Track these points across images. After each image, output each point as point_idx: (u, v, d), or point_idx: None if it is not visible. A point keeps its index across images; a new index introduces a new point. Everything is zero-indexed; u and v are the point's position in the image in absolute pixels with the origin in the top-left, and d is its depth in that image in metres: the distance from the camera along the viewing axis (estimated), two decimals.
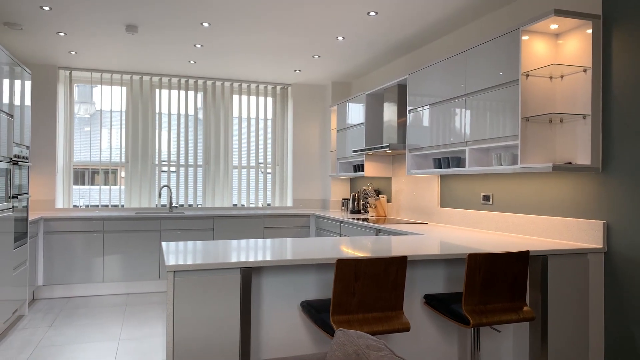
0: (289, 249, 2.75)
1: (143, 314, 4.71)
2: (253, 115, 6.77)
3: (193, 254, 2.51)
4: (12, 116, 4.11)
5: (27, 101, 4.61)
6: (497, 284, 2.47)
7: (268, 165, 6.85)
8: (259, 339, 2.52)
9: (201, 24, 4.29)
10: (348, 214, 5.74)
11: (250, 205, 6.71)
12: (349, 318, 2.24)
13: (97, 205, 6.15)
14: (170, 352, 2.22)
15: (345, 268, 2.20)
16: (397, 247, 2.90)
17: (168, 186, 6.24)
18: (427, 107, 4.22)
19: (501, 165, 3.42)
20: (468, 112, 3.69)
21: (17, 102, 4.27)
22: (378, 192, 5.80)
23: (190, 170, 6.47)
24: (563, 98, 3.18)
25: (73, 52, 5.30)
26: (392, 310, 2.32)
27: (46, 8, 3.95)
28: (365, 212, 5.93)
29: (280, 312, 2.57)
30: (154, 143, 6.32)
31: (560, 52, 3.23)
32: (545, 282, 2.86)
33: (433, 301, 2.68)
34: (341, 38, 4.68)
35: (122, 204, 6.20)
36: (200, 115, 6.54)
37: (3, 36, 4.74)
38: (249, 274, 2.36)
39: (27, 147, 4.64)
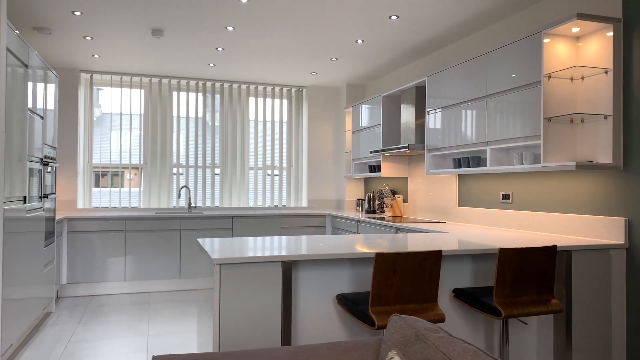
0: (323, 244, 2.86)
1: (168, 311, 4.82)
2: (269, 117, 6.88)
3: (233, 249, 2.62)
4: (43, 118, 4.23)
5: (55, 104, 4.74)
6: (526, 278, 2.57)
7: (283, 167, 6.95)
8: (297, 329, 2.62)
9: (225, 27, 4.41)
10: (363, 214, 5.84)
11: (266, 206, 6.82)
12: (387, 309, 2.34)
13: (116, 207, 6.26)
14: (216, 340, 2.33)
15: (384, 262, 2.30)
16: (424, 243, 3.00)
17: (187, 187, 6.36)
18: (447, 108, 4.33)
19: (522, 164, 3.52)
20: (489, 113, 3.79)
21: (46, 104, 4.39)
22: (394, 192, 5.90)
23: (208, 171, 6.58)
24: (584, 99, 3.28)
25: (96, 56, 5.42)
26: (427, 302, 2.42)
27: (77, 13, 4.07)
28: (381, 212, 6.03)
29: (315, 304, 2.67)
30: (172, 145, 6.44)
31: (580, 54, 3.33)
32: (570, 276, 2.96)
33: (462, 295, 2.78)
34: (360, 41, 4.79)
35: (140, 205, 6.31)
36: (217, 117, 6.66)
37: (31, 40, 4.86)
38: (289, 267, 2.46)
39: (54, 148, 4.76)
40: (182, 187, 6.33)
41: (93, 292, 5.52)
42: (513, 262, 2.53)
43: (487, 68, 3.82)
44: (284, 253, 2.48)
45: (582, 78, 3.30)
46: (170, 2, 3.83)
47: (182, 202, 6.48)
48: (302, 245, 2.82)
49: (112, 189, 6.30)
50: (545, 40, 3.26)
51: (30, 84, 3.77)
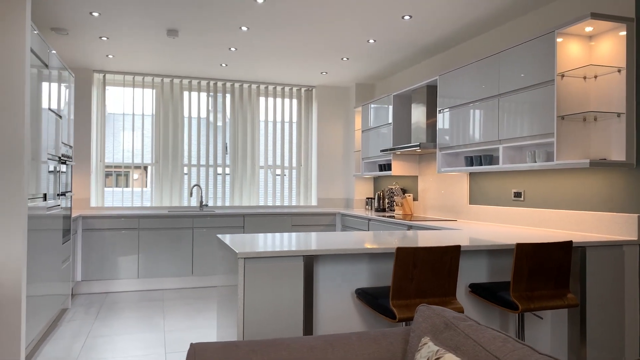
0: (342, 240, 2.92)
1: (182, 308, 4.88)
2: (278, 116, 6.94)
3: (254, 244, 2.68)
4: (60, 117, 4.30)
5: (71, 103, 4.81)
6: (542, 272, 2.62)
7: (293, 166, 7.01)
8: (317, 322, 2.68)
9: (240, 28, 4.47)
10: (373, 213, 5.89)
11: (276, 204, 6.88)
12: (407, 302, 2.40)
13: (128, 206, 6.33)
14: (240, 332, 2.39)
15: (405, 256, 2.36)
16: (439, 239, 3.05)
17: (199, 185, 6.42)
18: (459, 106, 4.38)
19: (535, 162, 3.57)
20: (501, 112, 3.84)
21: (63, 104, 4.46)
22: (404, 191, 5.95)
23: (219, 170, 6.64)
24: (597, 97, 3.33)
25: (110, 56, 5.49)
26: (446, 295, 2.47)
27: (95, 14, 4.14)
28: (391, 210, 6.08)
29: (334, 298, 2.72)
30: (183, 144, 6.50)
31: (593, 53, 3.37)
32: (584, 272, 3.01)
33: (478, 290, 2.83)
34: (372, 41, 4.84)
35: (152, 203, 6.38)
36: (228, 117, 6.72)
37: (48, 41, 4.93)
38: (311, 262, 2.52)
39: (70, 147, 4.83)
40: (194, 185, 6.39)
41: (107, 289, 5.59)
42: (530, 257, 2.58)
43: (500, 67, 3.87)
44: (304, 248, 2.54)
45: (595, 77, 3.34)
46: (187, 3, 3.89)
47: (194, 201, 6.55)
48: (321, 241, 2.87)
49: (125, 189, 6.37)
50: (559, 40, 3.31)
51: (49, 84, 3.84)
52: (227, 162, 6.70)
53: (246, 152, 6.75)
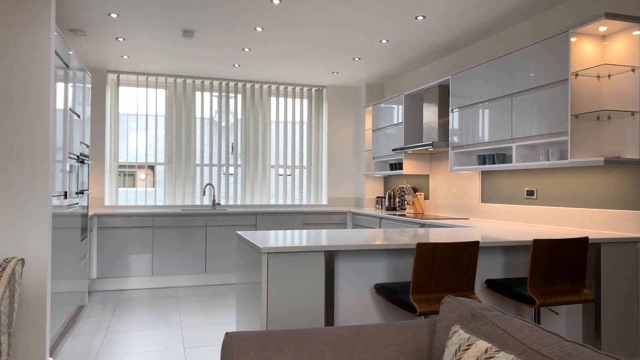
0: (361, 237, 2.97)
1: (196, 305, 4.95)
2: (289, 116, 7.01)
3: (275, 240, 2.74)
4: (79, 116, 4.38)
5: (88, 103, 4.89)
6: (559, 268, 2.66)
7: (304, 166, 7.07)
8: (337, 316, 2.73)
9: (255, 28, 4.53)
10: (384, 211, 5.94)
11: (287, 203, 6.94)
12: (427, 297, 2.45)
13: (142, 204, 6.41)
14: (264, 323, 2.45)
15: (425, 251, 2.41)
16: (454, 236, 3.10)
17: (211, 184, 6.49)
18: (472, 106, 4.42)
19: (549, 160, 3.61)
20: (515, 111, 3.88)
21: (81, 104, 4.53)
22: (415, 190, 6.00)
23: (231, 170, 6.71)
24: (611, 96, 3.37)
25: (125, 57, 5.57)
26: (464, 290, 2.52)
27: (114, 15, 4.21)
28: (402, 209, 6.13)
29: (354, 293, 2.78)
30: (195, 144, 6.58)
31: (606, 52, 3.41)
32: (599, 268, 3.05)
33: (495, 285, 2.88)
34: (385, 41, 4.90)
35: (165, 202, 6.45)
36: (239, 117, 6.79)
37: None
38: (331, 257, 2.58)
39: (88, 146, 4.91)
40: (207, 184, 6.46)
41: (122, 286, 5.67)
42: (546, 253, 2.62)
43: (513, 66, 3.91)
44: (325, 244, 2.59)
45: (609, 76, 3.38)
46: (204, 4, 3.96)
47: (206, 200, 6.62)
48: (340, 237, 2.93)
49: (138, 189, 6.45)
50: (572, 40, 3.35)
51: (70, 84, 3.91)
52: (239, 161, 6.77)
53: (257, 151, 6.81)
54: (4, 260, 2.22)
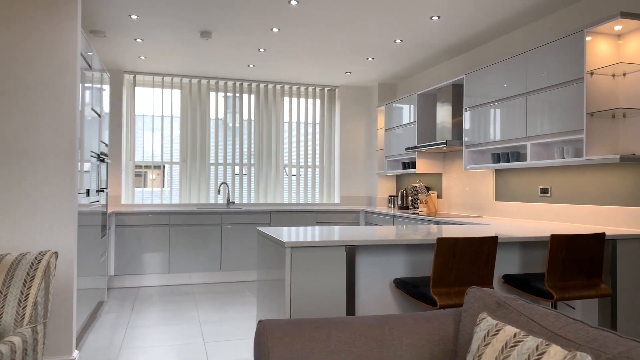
0: (380, 233, 3.03)
1: (213, 301, 5.03)
2: (302, 116, 7.08)
3: (298, 235, 2.80)
4: (100, 116, 4.48)
5: (106, 103, 4.98)
6: (576, 263, 2.71)
7: (316, 165, 7.14)
8: (357, 308, 2.80)
9: (271, 29, 4.61)
10: (397, 210, 5.99)
11: (300, 202, 7.02)
12: (447, 290, 2.50)
13: (157, 203, 6.51)
14: (287, 314, 2.51)
15: (445, 246, 2.47)
16: (471, 233, 3.15)
17: (226, 183, 6.58)
18: (486, 104, 4.47)
19: (564, 158, 3.65)
20: (529, 109, 3.92)
21: (101, 104, 4.63)
22: (428, 188, 6.04)
23: (245, 169, 6.80)
24: (626, 94, 3.41)
25: (142, 57, 5.67)
26: (483, 284, 2.57)
27: (134, 17, 4.30)
28: (415, 207, 6.17)
29: (373, 287, 2.84)
30: (209, 143, 6.66)
31: (621, 51, 3.45)
32: (615, 264, 3.09)
33: (512, 280, 2.93)
34: (399, 41, 4.95)
35: (180, 201, 6.55)
36: (253, 117, 6.87)
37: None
38: (353, 251, 2.64)
39: (107, 145, 5.01)
40: (221, 183, 6.55)
41: (139, 283, 5.76)
42: (564, 248, 2.67)
43: (528, 65, 3.95)
44: (346, 239, 2.66)
45: (624, 74, 3.42)
46: (223, 5, 4.03)
47: (220, 199, 6.70)
48: (360, 233, 2.99)
49: (155, 189, 6.55)
50: (588, 39, 3.39)
51: (92, 85, 4.00)
52: (252, 160, 6.85)
53: (270, 151, 6.89)
54: (39, 253, 2.30)
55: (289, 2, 3.94)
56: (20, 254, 2.34)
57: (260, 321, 1.67)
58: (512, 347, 1.28)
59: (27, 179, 3.09)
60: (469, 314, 1.69)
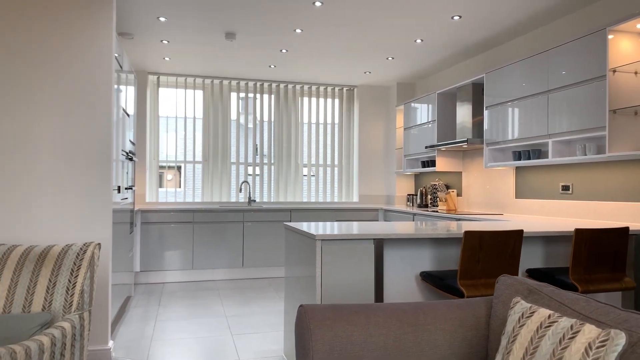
0: (406, 228, 3.11)
1: (237, 296, 5.14)
2: (321, 115, 7.18)
3: (326, 229, 2.90)
4: (128, 115, 4.61)
5: (133, 103, 5.13)
6: (600, 257, 2.76)
7: (335, 164, 7.23)
8: (385, 300, 2.87)
9: (294, 30, 4.71)
10: (416, 208, 6.05)
11: (319, 201, 7.11)
12: (473, 282, 2.57)
13: (180, 201, 6.64)
14: (319, 301, 2.60)
15: (472, 239, 2.54)
16: (497, 227, 3.21)
17: (247, 181, 6.70)
18: (507, 103, 4.52)
19: (586, 155, 3.69)
20: (551, 107, 3.97)
21: (130, 103, 4.77)
22: (447, 187, 6.10)
23: (265, 169, 6.91)
24: None
25: (167, 59, 5.81)
26: None
27: (162, 19, 4.43)
28: (434, 206, 6.23)
29: (400, 280, 2.92)
30: (230, 143, 6.79)
31: None
32: (638, 258, 3.13)
33: (536, 274, 2.99)
34: (419, 41, 5.02)
35: (203, 199, 6.68)
36: (272, 117, 6.98)
37: None
38: (380, 245, 2.72)
39: (134, 144, 5.15)
40: (243, 182, 6.67)
41: (164, 279, 5.90)
42: (588, 242, 2.72)
43: (549, 64, 4.00)
44: (374, 232, 2.74)
45: None
46: (247, 7, 4.14)
47: (241, 197, 6.82)
48: (386, 227, 3.07)
49: (177, 188, 6.69)
50: (610, 37, 3.44)
51: (122, 86, 4.14)
52: (272, 159, 6.96)
53: (290, 150, 6.99)
54: (84, 244, 2.42)
55: (314, 3, 4.03)
56: (66, 245, 2.46)
57: (301, 305, 1.77)
58: (547, 327, 1.35)
59: (67, 176, 3.22)
60: (500, 300, 1.77)
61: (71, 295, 2.29)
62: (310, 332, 1.66)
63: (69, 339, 2.12)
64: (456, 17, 4.33)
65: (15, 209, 3.13)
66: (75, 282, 2.31)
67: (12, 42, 3.13)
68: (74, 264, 2.36)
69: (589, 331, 1.24)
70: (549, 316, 1.39)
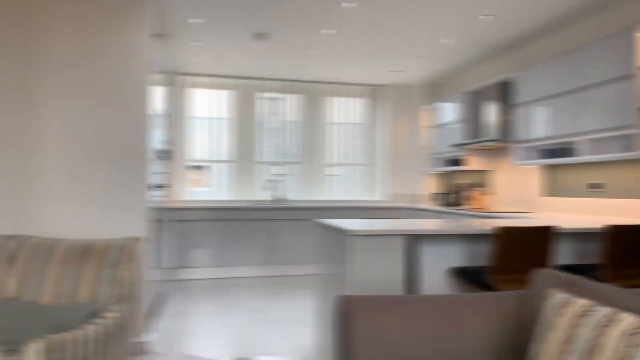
0: (436, 224, 3.15)
1: (266, 293, 5.23)
2: (348, 115, 7.24)
3: (356, 225, 2.96)
4: (161, 115, 4.74)
5: (166, 103, 5.26)
6: (633, 253, 2.76)
7: (361, 163, 7.29)
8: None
9: (324, 30, 4.77)
10: (442, 206, 6.06)
11: (345, 199, 7.18)
12: (504, 278, 2.60)
13: (207, 199, 6.78)
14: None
15: (505, 235, 2.57)
16: (530, 224, 3.22)
17: (273, 180, 6.80)
18: (536, 101, 4.51)
19: (615, 153, 3.67)
20: (580, 105, 3.96)
21: (162, 104, 4.91)
22: (474, 185, 6.09)
23: (291, 167, 7.01)
24: None
25: (197, 59, 5.94)
26: None
27: (194, 21, 4.55)
28: (460, 204, 6.23)
29: (429, 275, 2.95)
30: (257, 142, 6.90)
31: None
32: None
33: (568, 270, 2.99)
34: (449, 40, 5.04)
35: (229, 197, 6.81)
36: (299, 116, 7.07)
37: None
38: (410, 241, 2.77)
39: (166, 143, 5.28)
40: (269, 181, 6.77)
41: (191, 276, 6.03)
42: (621, 239, 2.72)
43: (578, 62, 3.99)
44: (404, 228, 2.79)
45: None
46: (279, 8, 4.22)
47: (268, 196, 6.92)
48: (416, 224, 3.12)
49: (205, 187, 6.82)
50: (638, 35, 3.42)
51: (155, 86, 4.26)
52: (301, 158, 7.05)
53: (317, 149, 7.07)
54: (126, 239, 2.52)
55: (343, 4, 4.09)
56: (108, 239, 2.57)
57: (343, 296, 1.83)
58: (582, 315, 1.39)
59: (105, 175, 3.34)
60: (535, 292, 1.80)
61: (115, 288, 2.40)
62: (353, 322, 1.72)
63: (115, 330, 2.22)
64: (486, 17, 4.34)
65: (56, 205, 3.26)
66: (119, 275, 2.42)
67: (51, 44, 3.27)
68: (118, 257, 2.46)
69: (627, 319, 1.28)
70: (586, 306, 1.42)
